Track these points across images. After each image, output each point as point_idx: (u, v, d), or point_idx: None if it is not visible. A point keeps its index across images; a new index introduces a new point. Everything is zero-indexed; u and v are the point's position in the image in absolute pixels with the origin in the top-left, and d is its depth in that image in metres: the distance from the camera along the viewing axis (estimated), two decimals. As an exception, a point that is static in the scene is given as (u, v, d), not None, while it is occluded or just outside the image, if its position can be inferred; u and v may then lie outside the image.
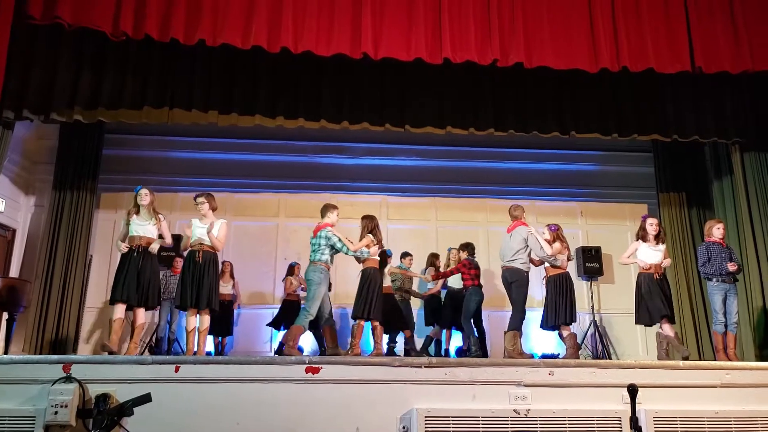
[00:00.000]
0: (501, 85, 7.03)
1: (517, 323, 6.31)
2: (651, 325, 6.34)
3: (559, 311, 6.37)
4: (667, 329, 6.13)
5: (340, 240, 6.12)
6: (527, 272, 6.47)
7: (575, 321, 6.55)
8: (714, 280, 6.22)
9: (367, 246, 6.28)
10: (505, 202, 9.05)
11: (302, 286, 7.75)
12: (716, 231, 6.38)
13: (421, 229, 8.91)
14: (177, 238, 7.85)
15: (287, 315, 7.54)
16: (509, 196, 9.09)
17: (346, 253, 6.17)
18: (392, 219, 9.00)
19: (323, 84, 6.87)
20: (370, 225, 6.41)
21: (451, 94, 7.01)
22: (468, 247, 7.57)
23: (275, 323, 7.77)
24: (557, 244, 6.57)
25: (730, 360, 5.92)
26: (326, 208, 6.40)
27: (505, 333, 6.38)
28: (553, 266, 6.57)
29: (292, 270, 7.99)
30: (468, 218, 9.09)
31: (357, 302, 6.27)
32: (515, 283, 6.36)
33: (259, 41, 5.95)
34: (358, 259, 6.42)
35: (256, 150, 8.84)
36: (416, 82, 6.91)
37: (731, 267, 6.12)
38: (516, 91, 7.06)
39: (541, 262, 6.70)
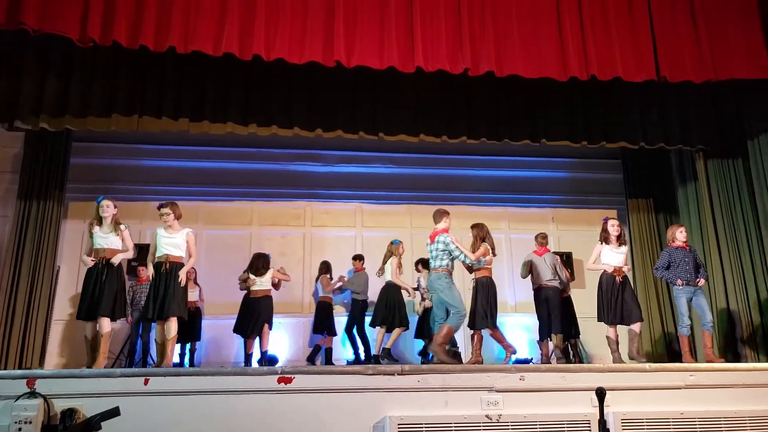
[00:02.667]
0: (473, 94, 7.12)
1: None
2: (612, 325, 6.42)
3: (574, 326, 7.45)
4: (636, 328, 6.30)
5: (458, 248, 6.05)
6: None
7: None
8: (675, 285, 6.33)
9: (484, 254, 6.28)
10: (479, 208, 9.20)
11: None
12: (679, 235, 6.49)
13: (396, 236, 8.91)
14: (147, 247, 7.76)
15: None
16: (483, 203, 9.23)
17: (463, 261, 6.13)
18: (367, 226, 9.03)
19: (296, 91, 6.87)
20: (482, 233, 6.44)
21: (424, 102, 7.08)
22: None
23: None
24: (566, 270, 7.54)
25: (710, 360, 6.00)
26: (440, 215, 6.33)
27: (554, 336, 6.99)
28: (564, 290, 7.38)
29: (267, 263, 7.52)
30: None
31: (476, 312, 6.32)
32: (554, 299, 7.06)
33: (231, 49, 5.92)
34: (470, 269, 6.42)
35: (229, 158, 8.79)
36: (389, 91, 6.96)
37: (699, 283, 6.29)
38: (487, 99, 7.17)
39: None
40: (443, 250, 6.05)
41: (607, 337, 6.38)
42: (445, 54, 6.27)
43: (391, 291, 7.54)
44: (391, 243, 7.72)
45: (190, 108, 6.66)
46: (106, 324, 5.64)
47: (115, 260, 5.71)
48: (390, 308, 7.44)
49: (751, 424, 4.69)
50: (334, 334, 7.90)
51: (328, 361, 7.80)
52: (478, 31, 6.41)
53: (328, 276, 8.07)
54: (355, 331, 7.84)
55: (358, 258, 8.21)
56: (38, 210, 7.43)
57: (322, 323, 7.84)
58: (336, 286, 8.10)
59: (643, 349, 8.05)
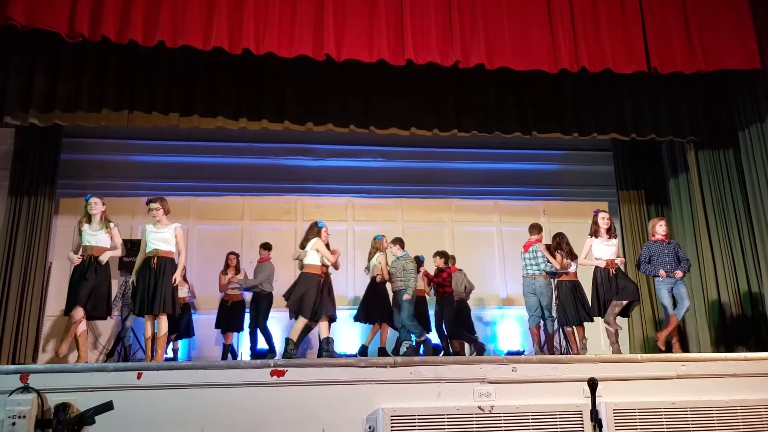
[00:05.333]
0: (463, 86, 7.11)
1: None
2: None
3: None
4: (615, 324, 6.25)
5: (544, 256, 6.77)
6: None
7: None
8: (658, 276, 6.28)
9: (559, 263, 6.80)
10: (470, 202, 9.25)
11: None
12: (659, 229, 6.45)
13: (388, 230, 8.91)
14: (138, 243, 7.74)
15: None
16: (473, 196, 9.26)
17: (543, 269, 6.77)
18: (358, 220, 9.04)
19: (287, 85, 6.86)
20: (554, 243, 6.96)
21: (415, 96, 7.07)
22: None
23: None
24: None
25: (655, 341, 6.15)
26: (538, 229, 7.09)
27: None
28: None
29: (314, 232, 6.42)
30: (433, 218, 9.18)
31: (563, 311, 6.74)
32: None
33: (220, 43, 5.89)
34: (554, 274, 6.86)
35: (219, 152, 8.76)
36: (380, 84, 6.95)
37: (676, 275, 6.21)
38: (478, 91, 7.15)
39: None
40: (540, 257, 6.79)
41: (607, 330, 6.32)
42: (435, 47, 6.26)
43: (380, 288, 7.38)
44: (375, 239, 7.47)
45: (180, 103, 6.63)
46: (83, 323, 5.62)
47: (103, 258, 5.68)
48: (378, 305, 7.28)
49: (742, 414, 4.72)
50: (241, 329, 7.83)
51: (234, 356, 7.72)
52: (468, 24, 6.40)
53: (226, 274, 7.83)
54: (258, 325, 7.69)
55: (264, 247, 7.92)
56: (29, 206, 7.41)
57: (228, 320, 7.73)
58: (230, 287, 7.81)
59: (635, 341, 8.13)
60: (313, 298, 6.03)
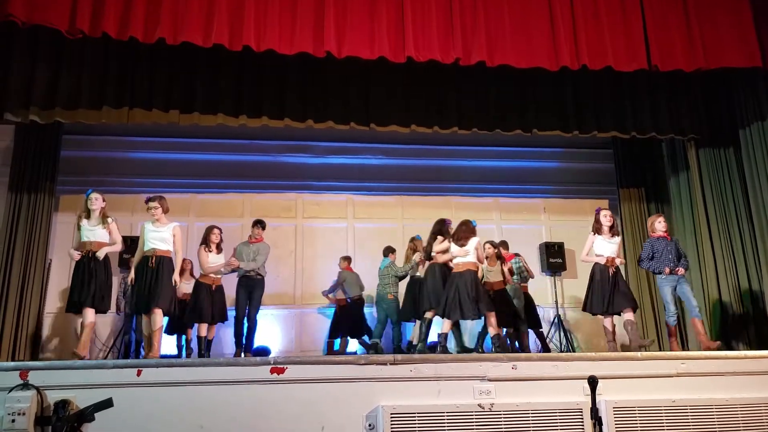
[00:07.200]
0: (464, 84, 7.10)
1: None
2: (596, 315, 6.45)
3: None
4: (630, 317, 6.22)
5: (525, 269, 7.74)
6: None
7: None
8: (662, 273, 6.31)
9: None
10: (470, 199, 9.24)
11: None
12: (658, 225, 6.48)
13: (388, 228, 8.94)
14: (137, 240, 7.72)
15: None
16: (474, 194, 9.25)
17: (524, 281, 7.71)
18: (358, 218, 9.02)
19: (287, 82, 6.85)
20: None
21: (416, 93, 7.06)
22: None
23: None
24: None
25: (708, 348, 5.97)
26: (507, 244, 7.89)
27: None
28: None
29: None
30: (434, 216, 9.05)
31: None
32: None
33: (221, 40, 5.88)
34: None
35: (220, 150, 8.76)
36: (381, 81, 6.94)
37: (679, 272, 6.24)
38: (479, 89, 7.14)
39: None
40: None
41: (604, 327, 6.34)
42: (436, 44, 6.25)
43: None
44: (415, 239, 7.67)
45: (181, 100, 6.63)
46: (90, 315, 5.62)
47: (101, 253, 5.68)
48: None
49: (742, 412, 4.72)
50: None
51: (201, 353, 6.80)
52: (469, 21, 6.39)
53: (209, 251, 6.88)
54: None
55: (261, 226, 7.30)
56: (29, 203, 7.41)
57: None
58: (223, 269, 6.97)
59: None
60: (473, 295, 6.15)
